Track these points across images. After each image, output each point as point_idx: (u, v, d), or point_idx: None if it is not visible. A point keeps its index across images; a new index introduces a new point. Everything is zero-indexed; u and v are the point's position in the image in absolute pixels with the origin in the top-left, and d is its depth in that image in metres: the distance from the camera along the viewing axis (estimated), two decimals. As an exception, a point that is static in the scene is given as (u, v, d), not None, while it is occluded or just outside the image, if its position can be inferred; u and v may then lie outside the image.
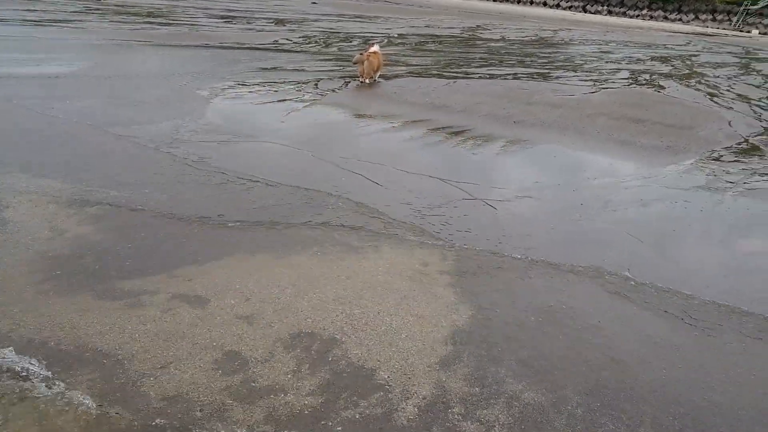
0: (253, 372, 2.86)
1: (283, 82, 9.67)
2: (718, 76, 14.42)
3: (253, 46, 13.43)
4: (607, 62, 15.69)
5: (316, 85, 9.73)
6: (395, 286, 3.68)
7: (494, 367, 3.02)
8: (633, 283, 3.95)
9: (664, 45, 23.35)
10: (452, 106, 8.90)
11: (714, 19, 41.40)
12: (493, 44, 18.29)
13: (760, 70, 16.50)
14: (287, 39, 15.01)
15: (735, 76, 14.72)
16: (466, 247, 4.28)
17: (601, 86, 11.56)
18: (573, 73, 13.09)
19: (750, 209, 5.51)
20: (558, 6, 47.37)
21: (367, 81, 10.06)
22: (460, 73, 11.97)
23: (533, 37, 21.87)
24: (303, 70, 10.88)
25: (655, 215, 5.22)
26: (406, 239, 4.32)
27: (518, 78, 11.79)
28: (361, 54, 10.04)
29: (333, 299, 3.49)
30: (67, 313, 3.17)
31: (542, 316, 3.49)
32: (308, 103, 8.39)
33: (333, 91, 9.38)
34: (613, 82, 12.14)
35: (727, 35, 35.37)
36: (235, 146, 6.20)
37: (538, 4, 47.93)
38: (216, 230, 4.24)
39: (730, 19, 40.69)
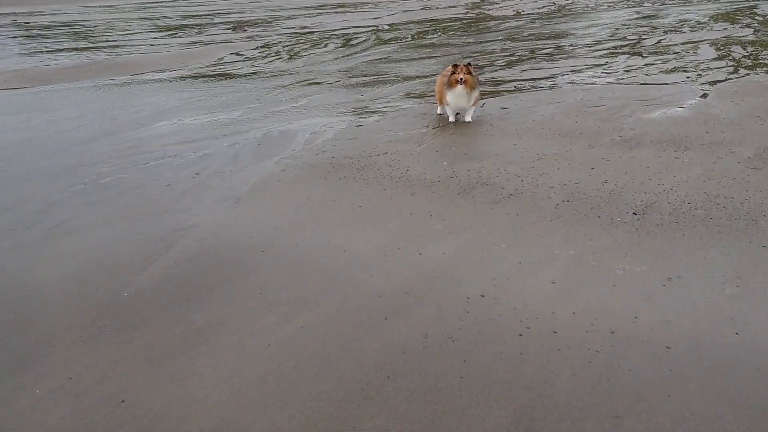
0: None
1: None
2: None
3: (181, 75, 9.49)
4: (666, 32, 11.77)
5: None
6: None
7: None
8: None
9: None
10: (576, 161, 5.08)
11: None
12: (510, 24, 14.36)
13: None
14: (238, 53, 11.12)
15: None
16: None
17: (699, 78, 7.73)
18: (640, 58, 9.25)
19: None
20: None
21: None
22: (487, 81, 8.17)
23: (551, 7, 17.89)
24: (257, 118, 6.96)
25: None
26: None
27: (574, 81, 7.97)
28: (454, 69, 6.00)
29: None
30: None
31: None
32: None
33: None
34: (710, 69, 8.28)
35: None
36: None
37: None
38: None
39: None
